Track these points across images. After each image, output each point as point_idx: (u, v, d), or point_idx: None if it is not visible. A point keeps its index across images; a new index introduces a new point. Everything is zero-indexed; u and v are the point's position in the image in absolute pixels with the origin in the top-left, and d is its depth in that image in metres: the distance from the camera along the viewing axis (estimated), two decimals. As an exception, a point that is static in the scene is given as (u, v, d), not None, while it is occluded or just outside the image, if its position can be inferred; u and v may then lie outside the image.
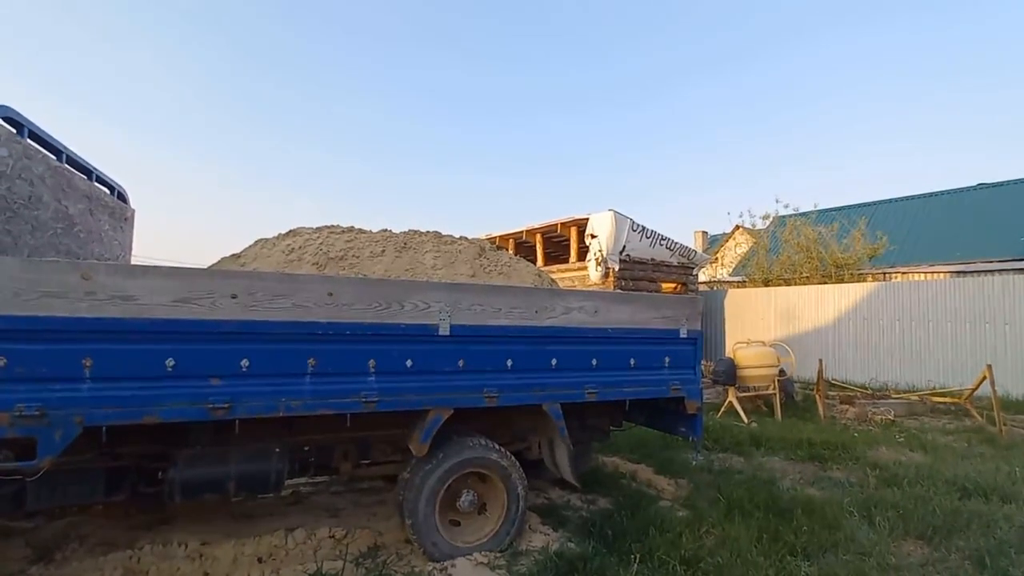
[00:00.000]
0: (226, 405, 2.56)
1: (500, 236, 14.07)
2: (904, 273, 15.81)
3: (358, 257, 4.55)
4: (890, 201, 20.87)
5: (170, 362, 2.49)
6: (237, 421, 2.64)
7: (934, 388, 9.65)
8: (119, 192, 4.39)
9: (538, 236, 13.71)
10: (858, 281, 14.19)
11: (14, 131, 2.95)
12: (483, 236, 12.80)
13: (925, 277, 14.63)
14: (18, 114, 2.96)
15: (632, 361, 3.71)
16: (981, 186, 19.04)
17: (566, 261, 13.10)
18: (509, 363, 3.26)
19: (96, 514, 3.49)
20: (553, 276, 8.09)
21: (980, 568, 3.23)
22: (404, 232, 5.12)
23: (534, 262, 12.94)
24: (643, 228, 11.92)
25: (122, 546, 3.11)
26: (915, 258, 16.60)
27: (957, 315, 10.47)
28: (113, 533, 3.32)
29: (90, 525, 3.43)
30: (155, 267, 2.62)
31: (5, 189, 2.79)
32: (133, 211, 4.62)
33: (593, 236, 11.62)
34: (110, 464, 2.81)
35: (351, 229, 5.00)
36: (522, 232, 13.91)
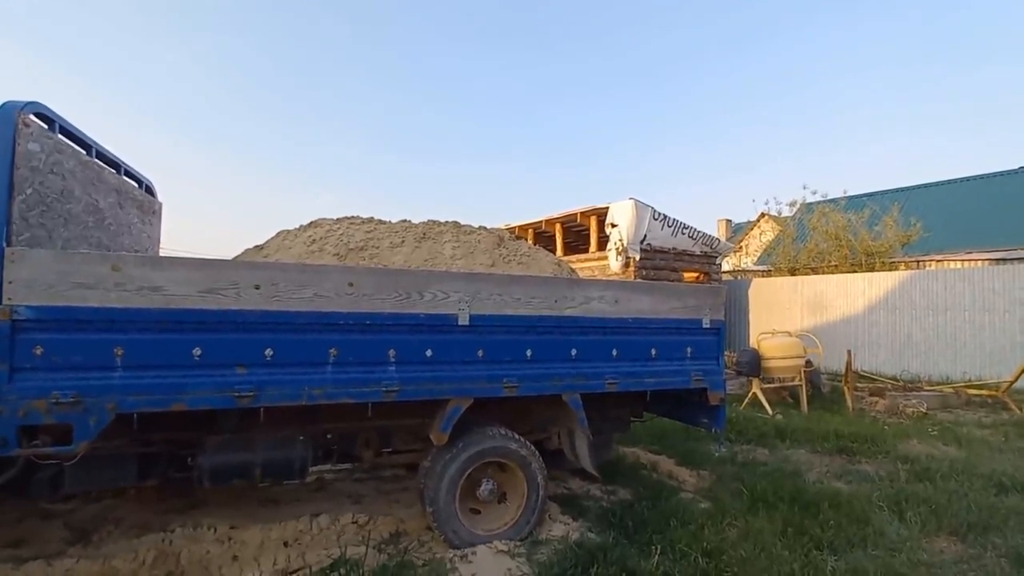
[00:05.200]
0: (251, 393, 2.62)
1: (519, 226, 14.02)
2: (939, 261, 15.24)
3: (378, 248, 4.58)
4: (925, 186, 20.06)
5: (197, 351, 2.55)
6: (262, 409, 2.70)
7: (969, 380, 9.32)
8: (147, 186, 4.48)
9: (557, 226, 13.61)
10: (890, 269, 13.73)
11: (46, 127, 3.03)
12: (502, 226, 12.78)
13: (962, 265, 14.08)
14: (49, 110, 3.03)
15: (653, 351, 3.66)
16: (1023, 169, 18.16)
17: (586, 251, 12.99)
18: (528, 353, 3.25)
19: (130, 498, 3.63)
20: (573, 266, 8.03)
21: (1017, 566, 3.11)
22: (423, 223, 5.12)
23: (554, 252, 12.87)
24: (665, 216, 11.72)
25: (155, 529, 3.22)
26: (951, 245, 15.94)
27: (995, 304, 10.05)
28: (146, 516, 3.44)
29: (124, 508, 3.56)
30: (181, 259, 2.68)
31: (38, 183, 2.87)
32: (160, 204, 4.72)
33: (613, 225, 11.48)
34: (142, 450, 2.91)
35: (371, 220, 5.02)
36: (541, 222, 13.83)
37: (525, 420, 3.82)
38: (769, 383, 8.04)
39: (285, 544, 3.18)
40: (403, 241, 4.70)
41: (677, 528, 3.43)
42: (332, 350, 2.79)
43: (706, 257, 12.99)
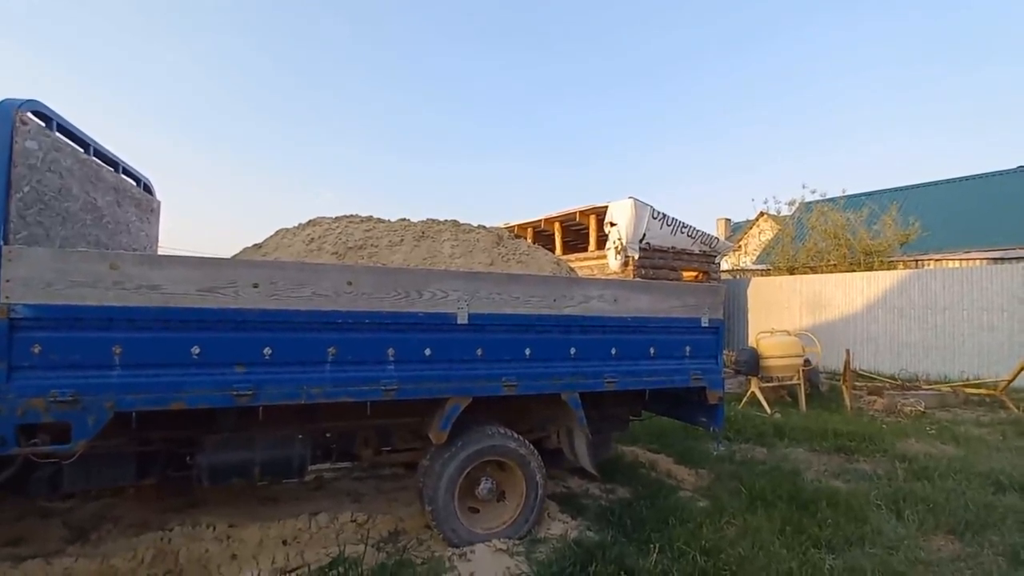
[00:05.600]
0: (250, 392, 2.61)
1: (519, 225, 14.02)
2: (938, 260, 15.25)
3: (377, 246, 4.57)
4: (923, 185, 20.08)
5: (195, 350, 2.54)
6: (261, 408, 2.70)
7: (967, 379, 9.34)
8: (145, 184, 4.47)
9: (556, 225, 13.62)
10: (888, 269, 13.75)
11: (43, 124, 3.02)
12: (501, 225, 12.77)
13: (960, 264, 14.10)
14: (47, 108, 3.03)
15: (652, 350, 3.66)
16: (1021, 168, 18.19)
17: (585, 250, 12.99)
18: (528, 352, 3.25)
19: (128, 497, 3.62)
20: (572, 265, 8.03)
21: (1015, 564, 3.12)
22: (422, 221, 5.12)
23: (553, 251, 12.87)
24: (664, 215, 11.73)
25: (154, 527, 3.22)
26: (949, 244, 15.97)
27: (993, 303, 10.07)
28: (145, 515, 3.44)
29: (123, 507, 3.56)
30: (180, 257, 2.67)
31: (36, 182, 2.86)
32: (159, 203, 4.71)
33: (612, 224, 11.48)
34: (141, 448, 2.91)
35: (370, 219, 5.02)
36: (540, 221, 13.83)
37: (524, 419, 3.82)
38: (768, 382, 8.05)
39: (284, 543, 3.18)
40: (402, 240, 4.69)
41: (675, 526, 3.43)
42: (331, 349, 2.79)
43: (705, 256, 13.01)
